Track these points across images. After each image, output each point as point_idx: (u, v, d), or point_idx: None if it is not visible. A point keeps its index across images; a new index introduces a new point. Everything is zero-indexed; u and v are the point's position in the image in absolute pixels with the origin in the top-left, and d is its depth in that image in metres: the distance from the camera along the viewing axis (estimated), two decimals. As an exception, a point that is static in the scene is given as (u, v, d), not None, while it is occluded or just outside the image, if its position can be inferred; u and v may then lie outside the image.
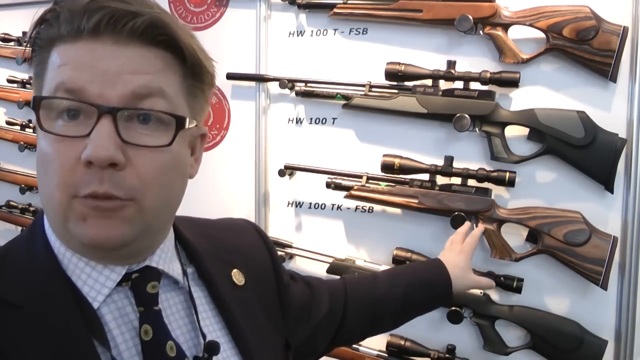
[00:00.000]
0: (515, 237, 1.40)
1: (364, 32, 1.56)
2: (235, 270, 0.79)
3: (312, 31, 1.62)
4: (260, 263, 0.86)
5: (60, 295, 0.62)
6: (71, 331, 0.60)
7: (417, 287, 1.09)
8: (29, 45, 0.64)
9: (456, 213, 1.38)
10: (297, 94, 1.60)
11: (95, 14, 0.58)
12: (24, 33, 2.07)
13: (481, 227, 1.33)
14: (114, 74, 0.59)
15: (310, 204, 1.65)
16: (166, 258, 0.69)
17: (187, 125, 0.63)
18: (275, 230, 1.69)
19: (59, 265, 0.64)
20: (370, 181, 1.51)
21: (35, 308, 0.61)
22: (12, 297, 0.61)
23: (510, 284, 1.38)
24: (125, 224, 0.60)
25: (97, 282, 0.63)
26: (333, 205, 1.62)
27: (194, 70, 0.65)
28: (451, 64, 1.40)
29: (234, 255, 0.81)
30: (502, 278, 1.39)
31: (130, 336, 0.64)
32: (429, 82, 1.43)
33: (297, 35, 1.64)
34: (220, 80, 1.55)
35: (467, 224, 1.34)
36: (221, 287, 0.75)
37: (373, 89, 1.50)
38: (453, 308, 1.41)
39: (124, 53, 0.59)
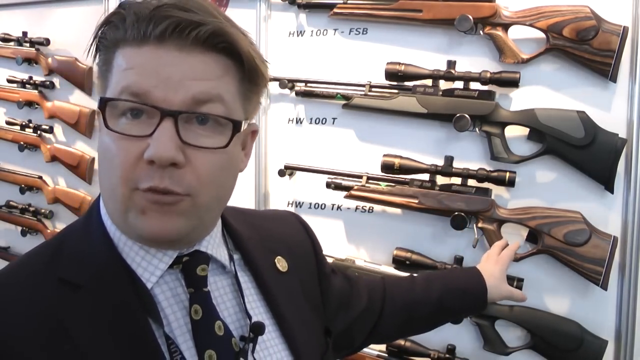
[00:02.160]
0: (515, 237, 1.40)
1: (364, 32, 1.56)
2: (278, 257, 0.83)
3: (312, 31, 1.62)
4: (302, 252, 0.90)
5: (116, 275, 0.67)
6: (128, 308, 0.65)
7: (454, 293, 1.11)
8: (93, 44, 0.67)
9: (456, 213, 1.38)
10: (297, 94, 1.60)
11: (161, 21, 0.62)
12: (24, 33, 2.07)
13: (517, 243, 1.32)
14: (177, 80, 0.62)
15: (310, 204, 1.65)
16: (214, 244, 0.73)
17: (242, 129, 0.68)
18: (275, 230, 1.69)
19: (115, 249, 0.69)
20: (370, 181, 1.51)
21: (94, 287, 0.66)
22: (73, 277, 0.66)
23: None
24: (180, 218, 0.64)
25: (150, 265, 0.68)
26: (333, 205, 1.62)
27: (251, 75, 0.68)
28: (451, 64, 1.40)
29: (278, 243, 0.85)
30: (502, 278, 1.39)
31: (181, 315, 0.68)
32: (429, 82, 1.43)
33: (297, 35, 1.64)
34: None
35: (504, 239, 1.35)
36: (265, 273, 0.79)
37: (373, 89, 1.50)
38: (453, 308, 1.41)
39: (186, 60, 0.63)
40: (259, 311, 0.76)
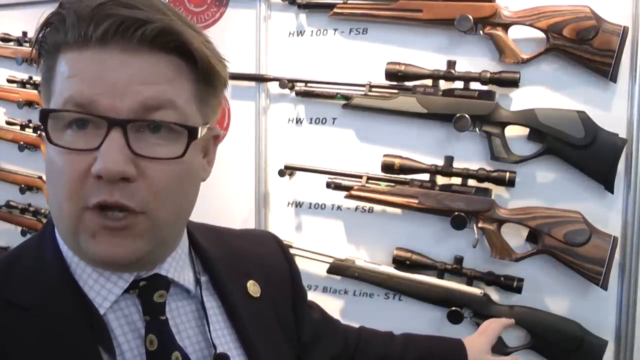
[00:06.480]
0: (515, 237, 1.40)
1: (364, 32, 1.56)
2: (251, 281, 0.77)
3: (312, 31, 1.62)
4: (278, 276, 0.84)
5: (67, 299, 0.61)
6: (76, 336, 0.60)
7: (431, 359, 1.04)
8: (35, 49, 0.62)
9: (456, 213, 1.38)
10: (297, 94, 1.60)
11: (103, 21, 0.56)
12: (24, 33, 2.07)
13: (510, 320, 1.24)
14: (123, 85, 0.57)
15: (310, 204, 1.65)
16: (177, 266, 0.68)
17: (199, 135, 0.62)
18: (275, 230, 1.68)
19: (67, 270, 0.63)
20: (370, 181, 1.51)
21: (42, 311, 0.60)
22: (19, 299, 0.61)
23: (510, 284, 1.38)
24: (138, 241, 0.59)
25: (103, 288, 0.63)
26: (333, 205, 1.62)
27: (206, 75, 0.63)
28: (451, 64, 1.40)
29: (251, 264, 0.80)
30: (502, 278, 1.39)
31: (136, 345, 0.63)
32: (429, 82, 1.43)
33: (297, 35, 1.64)
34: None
35: (498, 320, 1.24)
36: (235, 298, 0.73)
37: (373, 89, 1.50)
38: (453, 308, 1.41)
39: (132, 62, 0.57)
40: (225, 340, 0.70)
